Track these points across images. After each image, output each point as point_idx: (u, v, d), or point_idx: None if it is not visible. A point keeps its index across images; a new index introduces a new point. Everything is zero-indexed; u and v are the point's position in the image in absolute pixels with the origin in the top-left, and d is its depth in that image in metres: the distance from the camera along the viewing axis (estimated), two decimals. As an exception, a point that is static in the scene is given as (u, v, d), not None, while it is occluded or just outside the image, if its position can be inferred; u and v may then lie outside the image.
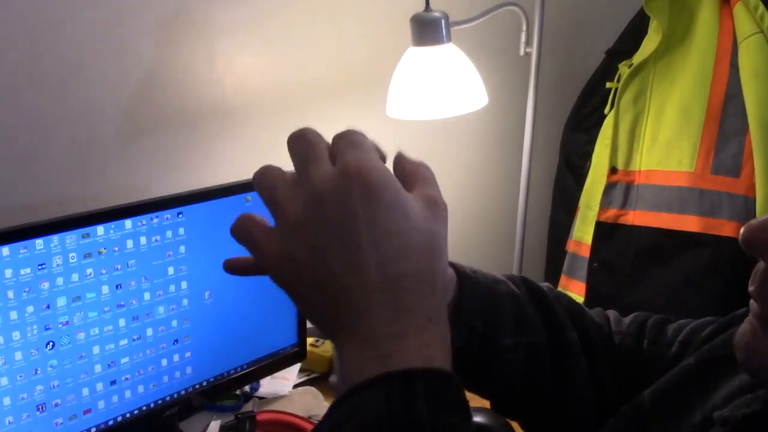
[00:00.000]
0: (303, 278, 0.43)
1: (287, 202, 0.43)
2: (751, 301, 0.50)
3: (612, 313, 0.75)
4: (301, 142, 0.45)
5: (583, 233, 1.46)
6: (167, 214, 1.03)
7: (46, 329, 0.95)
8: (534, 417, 0.70)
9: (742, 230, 0.48)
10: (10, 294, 0.91)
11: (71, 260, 0.95)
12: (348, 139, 0.44)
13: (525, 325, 0.66)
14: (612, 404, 0.67)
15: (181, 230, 1.05)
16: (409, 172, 0.46)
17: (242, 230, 0.45)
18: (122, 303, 1.02)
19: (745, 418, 0.54)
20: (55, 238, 0.93)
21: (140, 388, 1.08)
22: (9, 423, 0.95)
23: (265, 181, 0.45)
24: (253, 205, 1.11)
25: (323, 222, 0.41)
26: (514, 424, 1.06)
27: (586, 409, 0.69)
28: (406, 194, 0.43)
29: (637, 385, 0.66)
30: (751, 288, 0.50)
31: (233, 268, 0.52)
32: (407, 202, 0.43)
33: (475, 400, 0.71)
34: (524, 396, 0.67)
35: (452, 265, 0.62)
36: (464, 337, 0.61)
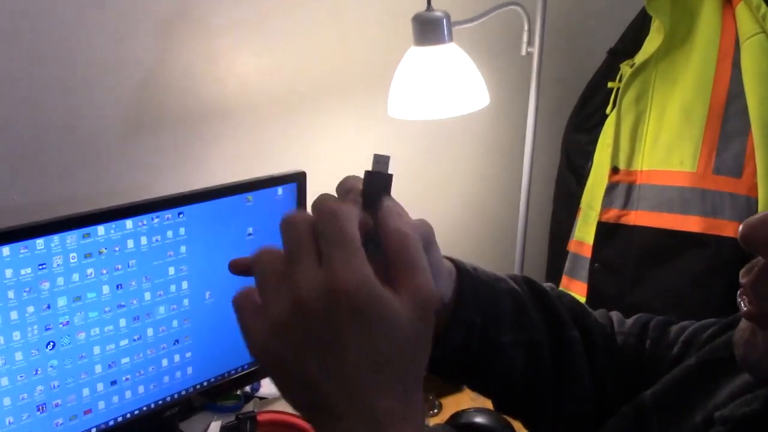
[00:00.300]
0: (283, 374, 0.44)
1: (273, 297, 0.43)
2: (739, 301, 0.50)
3: (615, 314, 0.75)
4: (291, 234, 0.44)
5: (584, 233, 1.45)
6: (168, 214, 1.03)
7: (47, 329, 0.95)
8: (535, 416, 0.71)
9: (740, 227, 0.48)
10: (11, 294, 0.91)
11: (72, 260, 0.95)
12: (332, 231, 0.43)
13: (525, 323, 0.66)
14: (613, 404, 0.67)
15: (182, 230, 1.05)
16: (400, 253, 0.45)
17: (236, 303, 0.46)
18: (123, 303, 1.02)
19: (745, 417, 0.54)
20: (55, 238, 0.93)
21: (141, 389, 1.08)
22: (9, 423, 0.95)
23: (257, 266, 0.45)
24: (254, 205, 1.10)
25: (305, 332, 0.42)
26: (517, 425, 1.05)
27: (586, 409, 0.69)
28: (393, 306, 0.43)
29: (639, 385, 0.66)
30: (743, 280, 0.50)
31: (238, 268, 0.52)
32: (393, 315, 0.43)
33: (477, 400, 0.70)
34: (525, 394, 0.68)
35: (452, 260, 0.63)
36: (463, 334, 0.61)
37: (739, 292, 0.50)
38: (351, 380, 0.42)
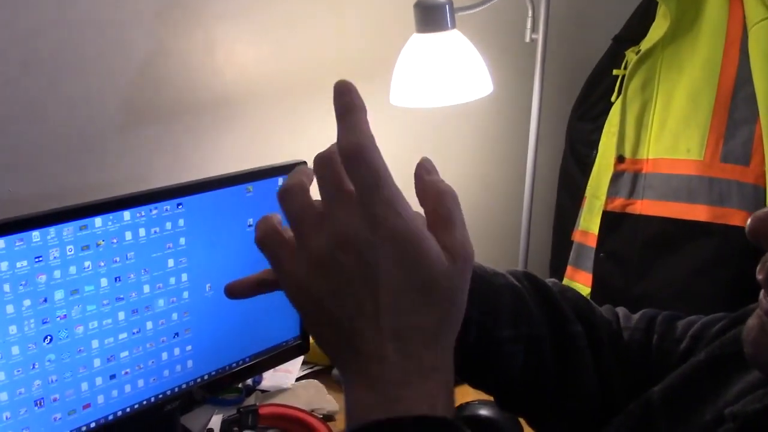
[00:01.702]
0: (318, 312, 0.43)
1: (312, 234, 0.43)
2: (761, 297, 0.49)
3: (621, 310, 0.74)
4: (327, 170, 0.44)
5: (589, 223, 1.44)
6: (167, 205, 1.02)
7: (44, 323, 0.94)
8: (538, 413, 0.69)
9: (748, 221, 0.47)
10: (7, 287, 0.90)
11: (69, 252, 0.94)
12: (370, 173, 0.42)
13: (525, 318, 0.65)
14: (619, 401, 0.66)
15: (181, 221, 1.03)
16: (435, 209, 0.44)
17: (268, 246, 0.45)
18: (121, 296, 1.00)
19: (756, 414, 0.53)
20: (52, 230, 0.91)
21: (140, 383, 1.06)
22: (7, 418, 0.94)
23: (290, 203, 0.44)
24: (254, 195, 1.09)
25: (345, 267, 0.42)
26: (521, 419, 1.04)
27: (591, 406, 0.67)
28: (432, 248, 0.42)
29: (646, 381, 0.65)
30: (759, 277, 0.48)
31: (235, 292, 0.51)
32: (432, 257, 0.42)
33: (481, 393, 0.70)
34: (526, 391, 0.66)
35: None
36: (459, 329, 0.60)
37: (762, 291, 0.49)
38: (385, 318, 0.42)
